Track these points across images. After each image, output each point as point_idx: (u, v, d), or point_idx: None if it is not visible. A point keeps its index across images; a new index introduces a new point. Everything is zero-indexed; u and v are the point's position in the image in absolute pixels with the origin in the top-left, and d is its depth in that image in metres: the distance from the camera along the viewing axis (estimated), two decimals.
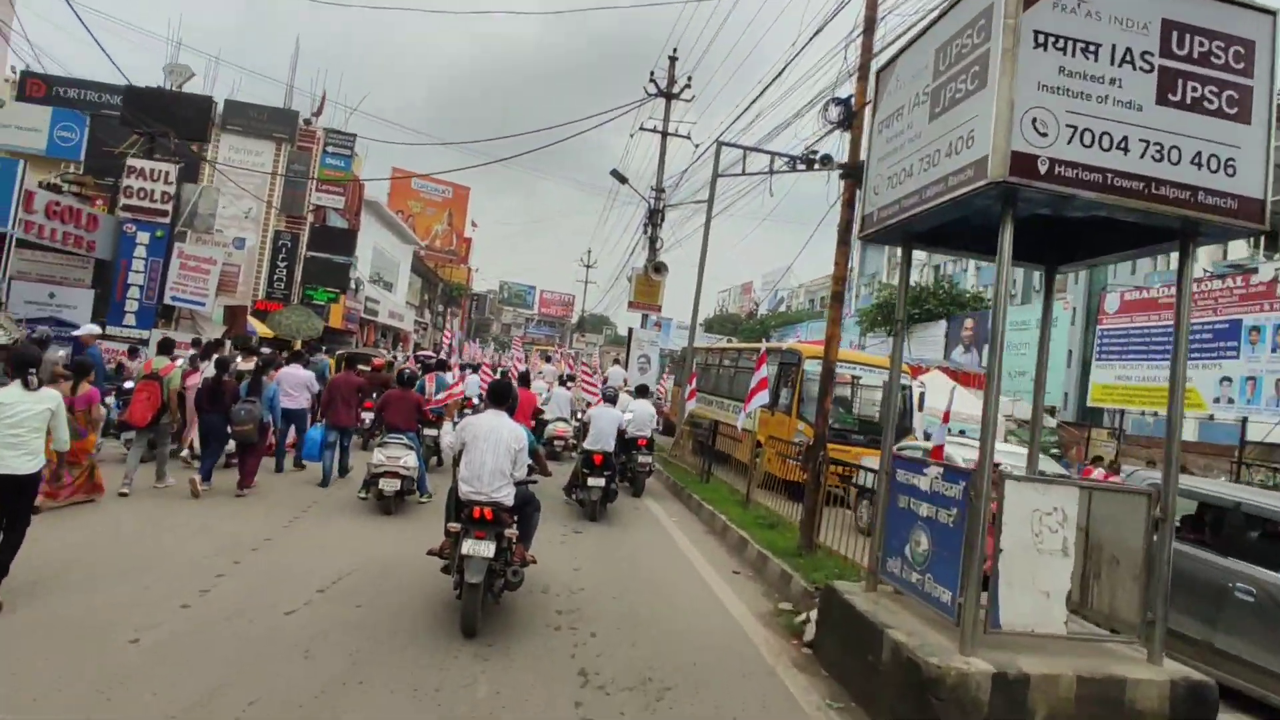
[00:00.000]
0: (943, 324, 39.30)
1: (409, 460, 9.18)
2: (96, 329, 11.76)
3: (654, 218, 20.69)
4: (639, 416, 12.36)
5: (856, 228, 6.41)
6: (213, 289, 18.86)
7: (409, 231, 44.41)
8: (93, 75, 26.16)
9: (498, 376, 16.77)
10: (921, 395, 14.27)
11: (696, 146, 19.62)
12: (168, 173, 18.77)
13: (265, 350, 18.41)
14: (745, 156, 15.20)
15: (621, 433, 10.90)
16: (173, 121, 19.40)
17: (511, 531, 5.51)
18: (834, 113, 8.08)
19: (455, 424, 7.80)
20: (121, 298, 18.45)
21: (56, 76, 27.19)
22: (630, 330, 20.62)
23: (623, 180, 20.32)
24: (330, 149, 27.79)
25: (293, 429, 12.24)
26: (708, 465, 12.88)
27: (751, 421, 11.47)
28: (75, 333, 12.06)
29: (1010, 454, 12.25)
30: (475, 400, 14.55)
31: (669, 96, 20.75)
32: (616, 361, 22.85)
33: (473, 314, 71.71)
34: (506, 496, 5.51)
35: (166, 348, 10.44)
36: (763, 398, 10.96)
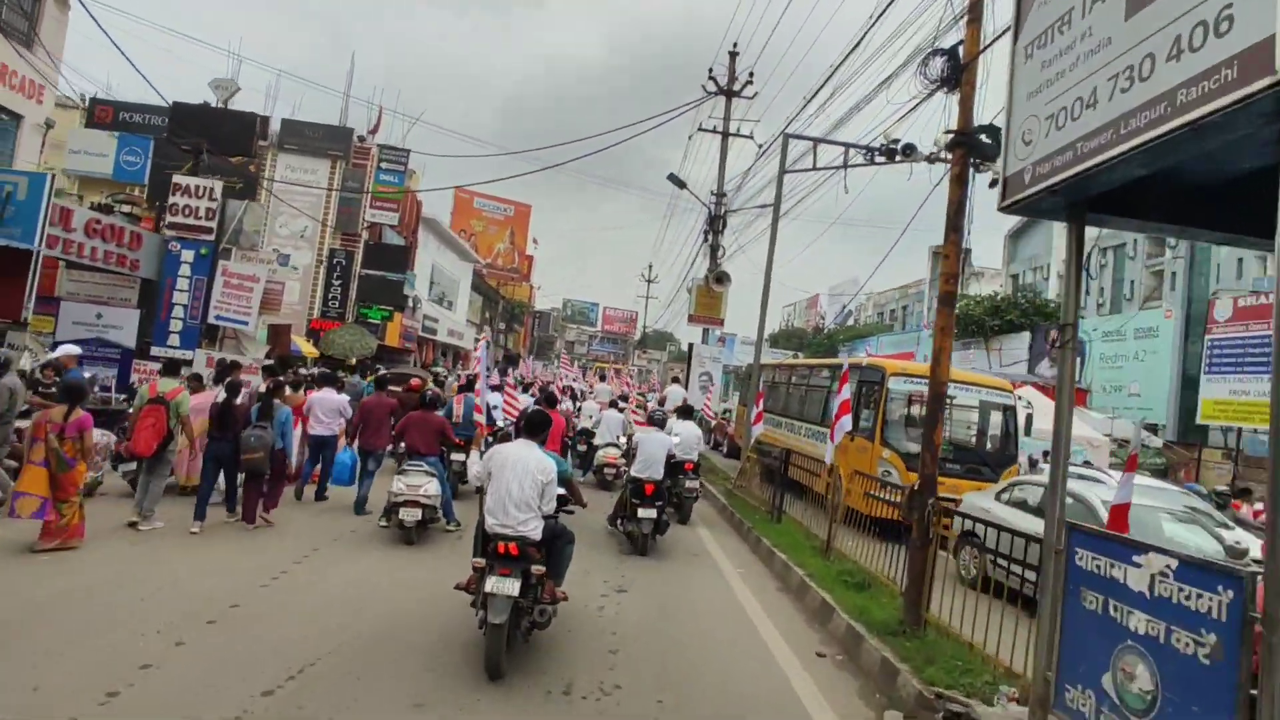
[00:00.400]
0: (1026, 336, 36.41)
1: (430, 488, 8.55)
2: (76, 349, 10.78)
3: (714, 224, 19.05)
4: (686, 439, 11.38)
5: (996, 201, 4.57)
6: (256, 307, 18.02)
7: (469, 249, 43.80)
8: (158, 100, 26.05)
9: (525, 397, 15.64)
10: (1029, 416, 12.18)
11: (760, 147, 17.92)
12: (212, 189, 18.07)
13: (305, 370, 17.44)
14: (815, 149, 13.43)
15: (669, 457, 9.95)
16: (219, 138, 18.72)
17: (539, 568, 5.15)
18: (936, 67, 6.31)
19: (482, 452, 6.71)
20: (166, 317, 17.77)
21: (123, 102, 27.22)
22: (690, 346, 18.98)
23: (680, 185, 18.76)
24: (384, 165, 27.07)
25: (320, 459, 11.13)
26: (778, 500, 11.07)
27: (832, 452, 9.63)
28: (51, 355, 11.12)
29: (1151, 488, 10.11)
30: (488, 422, 12.90)
31: (729, 94, 19.12)
32: (676, 380, 21.21)
33: (535, 331, 71.09)
34: (534, 530, 5.18)
35: (172, 369, 9.30)
36: (847, 424, 9.13)
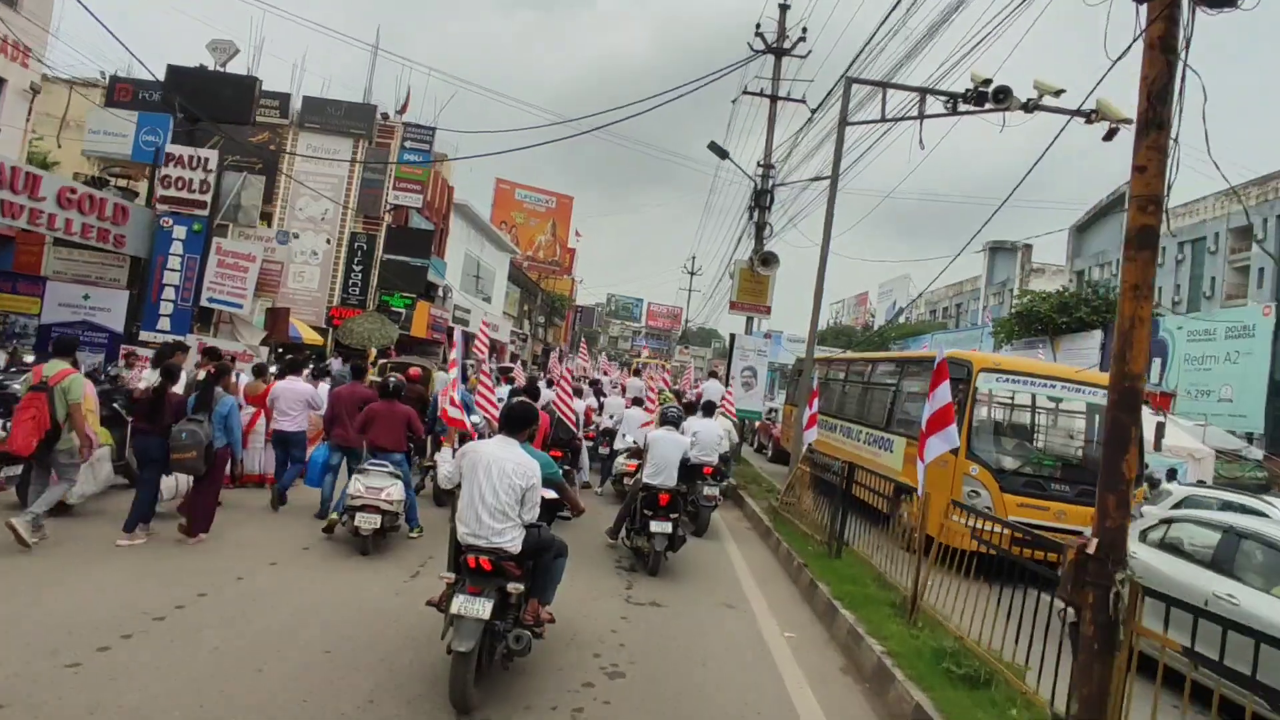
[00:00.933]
0: (1097, 334, 32.98)
1: (393, 492, 7.40)
2: None
3: (760, 199, 16.56)
4: (704, 439, 9.97)
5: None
6: (251, 289, 16.15)
7: (505, 239, 41.91)
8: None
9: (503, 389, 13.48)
10: (1159, 426, 9.47)
11: (812, 114, 15.37)
12: (207, 160, 16.25)
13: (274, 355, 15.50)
14: (884, 96, 10.89)
15: (684, 461, 8.53)
16: (215, 103, 16.91)
17: (517, 586, 4.40)
18: None
19: (456, 450, 5.45)
20: (156, 299, 16.01)
21: (143, 80, 25.75)
22: (732, 337, 16.53)
23: (722, 154, 16.31)
24: (409, 143, 25.16)
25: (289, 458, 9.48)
26: (838, 528, 8.58)
27: (923, 478, 7.05)
28: None
29: None
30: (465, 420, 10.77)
31: (779, 52, 16.60)
32: (714, 375, 18.77)
33: (577, 326, 69.19)
34: (511, 542, 4.41)
35: (64, 348, 7.26)
36: (949, 438, 6.56)
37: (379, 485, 7.34)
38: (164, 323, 15.89)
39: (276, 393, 9.63)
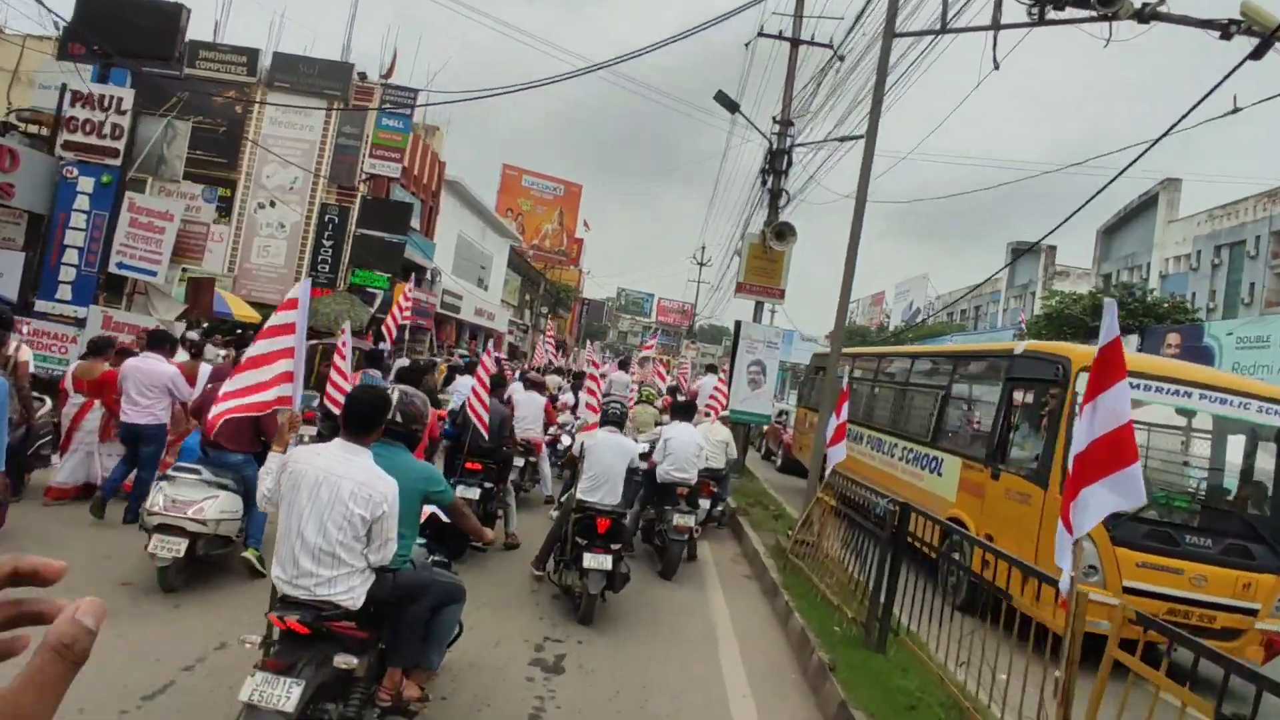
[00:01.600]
0: (1134, 339, 29.82)
1: (210, 507, 5.43)
2: None
3: (776, 162, 13.62)
4: (678, 449, 7.71)
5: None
6: (166, 253, 13.38)
7: (505, 223, 39.08)
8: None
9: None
10: None
11: (840, 61, 12.42)
12: (120, 100, 13.50)
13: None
14: (945, 2, 7.93)
15: (646, 475, 7.08)
16: (131, 36, 14.18)
17: (347, 659, 3.05)
18: None
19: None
20: (56, 263, 13.27)
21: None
22: (737, 325, 13.63)
23: (732, 107, 13.39)
24: (388, 107, 22.33)
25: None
26: (882, 604, 5.60)
27: (1068, 560, 4.08)
28: None
29: None
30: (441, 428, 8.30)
31: None
32: (711, 369, 15.78)
33: (584, 319, 66.35)
34: (345, 594, 3.14)
35: None
36: (1127, 488, 3.61)
37: (190, 498, 5.38)
38: (64, 291, 13.15)
39: (125, 374, 7.17)
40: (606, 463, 6.39)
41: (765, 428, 17.56)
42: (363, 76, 22.58)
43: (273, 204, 21.89)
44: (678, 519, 7.06)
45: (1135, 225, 45.87)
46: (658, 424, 10.27)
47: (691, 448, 7.60)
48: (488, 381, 7.53)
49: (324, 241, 22.12)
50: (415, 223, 26.86)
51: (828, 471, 7.45)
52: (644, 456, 7.43)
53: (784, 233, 13.02)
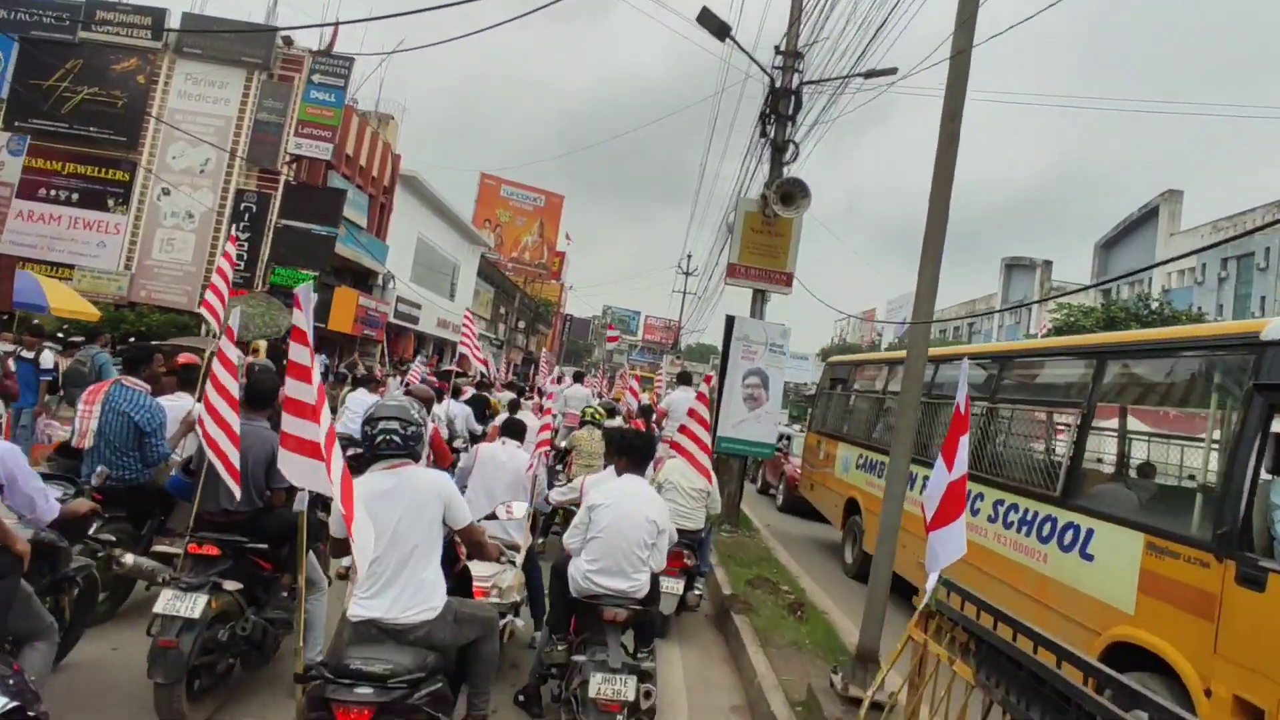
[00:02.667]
0: None
1: None
2: None
3: (779, 104, 9.93)
4: (613, 532, 3.99)
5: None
6: None
7: (472, 228, 35.32)
8: None
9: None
10: None
11: None
12: None
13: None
14: None
15: (554, 578, 4.30)
16: None
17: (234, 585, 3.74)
18: None
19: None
20: None
21: None
22: (729, 321, 9.87)
23: (721, 32, 9.72)
24: (317, 78, 18.62)
25: None
26: None
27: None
28: None
29: None
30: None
31: None
32: (684, 381, 11.62)
33: (566, 335, 62.51)
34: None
35: None
36: None
37: None
38: None
39: None
40: (621, 528, 3.94)
41: (763, 460, 13.68)
42: (288, 41, 18.87)
43: (167, 192, 18.05)
44: (601, 686, 3.24)
45: (1135, 239, 42.91)
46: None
47: (637, 530, 3.96)
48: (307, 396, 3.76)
49: (239, 234, 18.28)
50: (364, 220, 23.08)
51: (932, 584, 3.61)
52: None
53: (792, 194, 9.29)
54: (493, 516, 4.79)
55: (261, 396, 4.27)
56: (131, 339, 17.36)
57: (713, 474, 6.24)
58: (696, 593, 5.97)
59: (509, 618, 4.34)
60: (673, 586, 5.60)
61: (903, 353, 8.75)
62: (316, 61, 18.66)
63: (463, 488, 5.56)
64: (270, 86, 18.63)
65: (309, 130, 18.51)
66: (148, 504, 4.72)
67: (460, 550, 3.90)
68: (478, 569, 4.62)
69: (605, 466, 5.14)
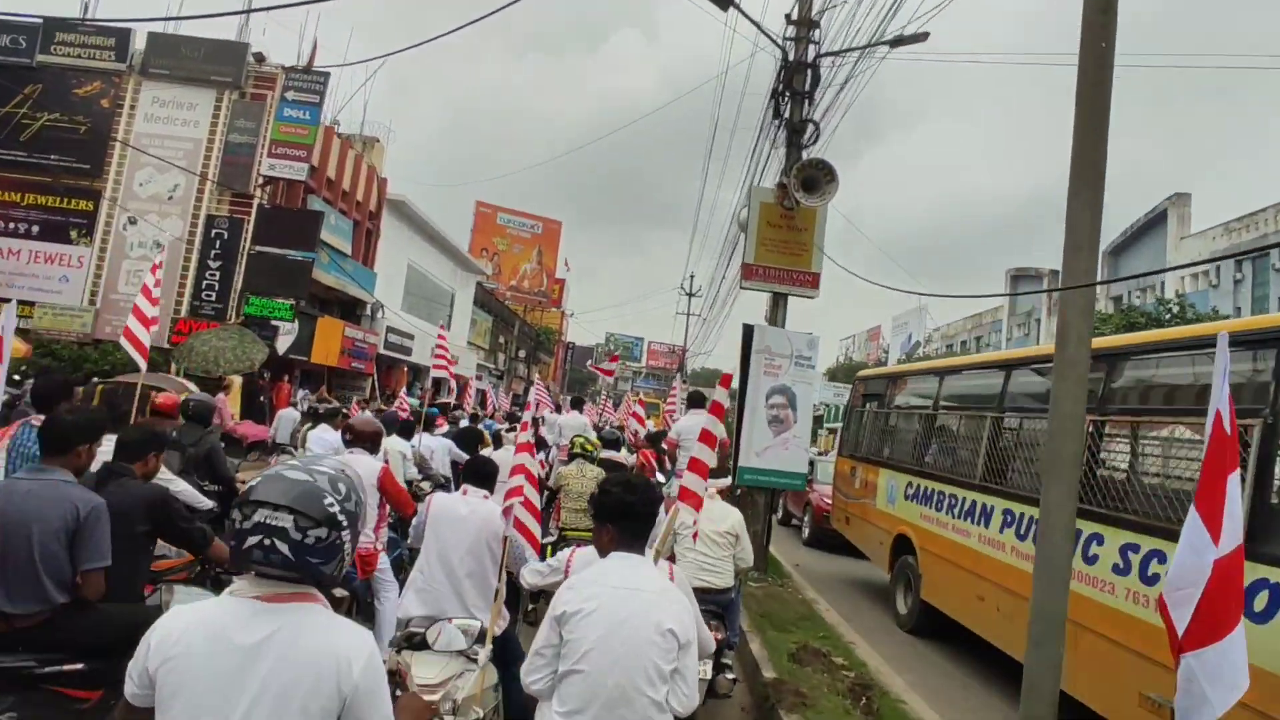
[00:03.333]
0: None
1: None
2: None
3: (793, 80, 8.54)
4: (602, 642, 2.35)
5: None
6: None
7: (468, 256, 34.05)
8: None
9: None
10: None
11: None
12: None
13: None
14: None
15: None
16: None
17: None
18: None
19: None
20: None
21: None
22: (747, 331, 8.40)
23: (724, 1, 8.37)
24: (290, 94, 17.39)
25: None
26: None
27: None
28: None
29: None
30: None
31: None
32: (698, 402, 9.52)
33: (568, 364, 61.08)
34: None
35: None
36: None
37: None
38: None
39: None
40: (615, 653, 2.32)
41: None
42: (259, 58, 17.67)
43: (133, 221, 16.74)
44: None
45: (1144, 244, 41.62)
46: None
47: (644, 651, 2.34)
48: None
49: (209, 263, 16.94)
50: (348, 248, 21.77)
51: None
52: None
53: (816, 179, 7.85)
54: (422, 644, 3.29)
55: (61, 438, 2.79)
56: (94, 379, 15.99)
57: (722, 507, 4.76)
58: (729, 677, 4.42)
59: None
60: (699, 669, 4.07)
61: (957, 359, 7.17)
62: (290, 78, 17.44)
63: (415, 550, 4.08)
64: (242, 106, 17.40)
65: (283, 150, 17.23)
66: None
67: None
68: (421, 670, 3.28)
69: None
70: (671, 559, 3.96)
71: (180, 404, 6.12)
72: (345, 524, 1.63)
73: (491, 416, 17.32)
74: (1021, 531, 5.66)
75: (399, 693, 2.14)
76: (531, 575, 3.51)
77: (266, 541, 1.56)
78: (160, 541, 3.41)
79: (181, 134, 17.35)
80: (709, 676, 4.21)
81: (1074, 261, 2.74)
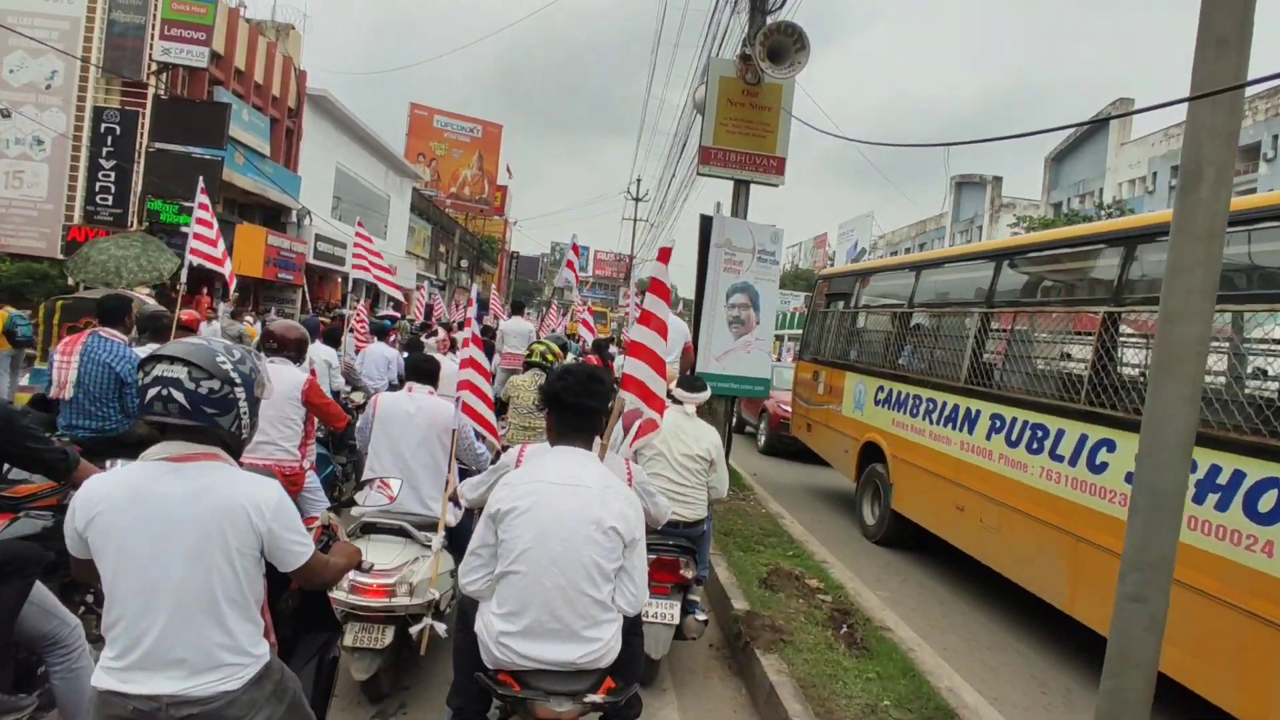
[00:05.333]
0: None
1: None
2: None
3: None
4: (540, 548, 2.26)
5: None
6: None
7: (402, 159, 31.77)
8: None
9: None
10: None
11: None
12: None
13: None
14: None
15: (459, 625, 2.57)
16: None
17: None
18: None
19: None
20: None
21: None
22: (705, 224, 7.50)
23: None
24: None
25: None
26: None
27: None
28: None
29: None
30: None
31: None
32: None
33: (513, 274, 59.25)
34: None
35: None
36: None
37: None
38: None
39: None
40: (552, 551, 2.23)
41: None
42: None
43: (6, 114, 14.55)
44: None
45: (1085, 150, 41.63)
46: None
47: (581, 548, 2.26)
48: None
49: (102, 162, 14.95)
50: (266, 148, 19.70)
51: None
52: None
53: (783, 47, 6.78)
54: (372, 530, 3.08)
55: None
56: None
57: (696, 425, 4.03)
58: (700, 617, 3.75)
59: (425, 621, 3.18)
60: (664, 613, 3.50)
61: (937, 252, 6.63)
62: None
63: (364, 451, 3.98)
64: None
65: (177, 31, 15.02)
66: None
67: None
68: (378, 556, 3.12)
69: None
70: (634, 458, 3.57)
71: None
72: (239, 381, 1.81)
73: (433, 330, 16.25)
74: (1013, 438, 5.06)
75: (332, 543, 2.23)
76: (470, 489, 2.97)
77: (164, 392, 1.73)
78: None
79: (54, 10, 14.94)
80: (675, 620, 3.53)
81: (1215, 62, 1.89)
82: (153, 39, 15.15)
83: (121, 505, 1.70)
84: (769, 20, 7.32)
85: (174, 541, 1.68)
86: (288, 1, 43.73)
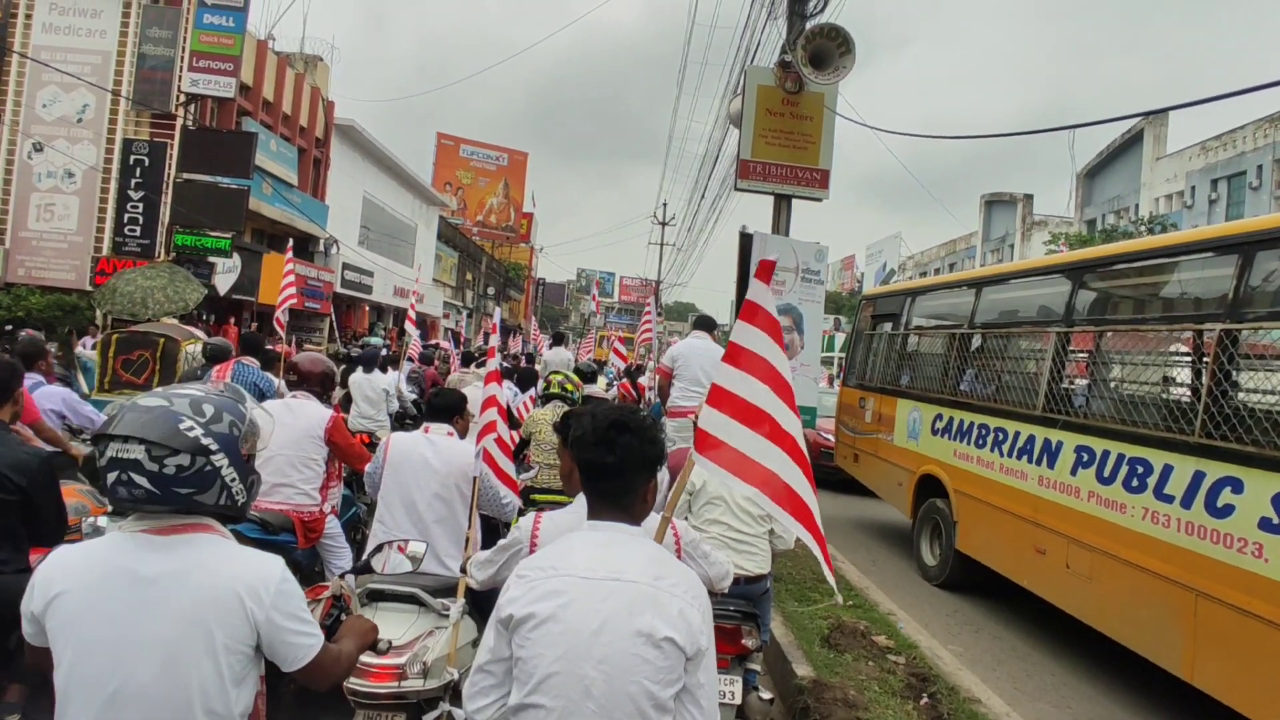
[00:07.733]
0: None
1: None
2: None
3: None
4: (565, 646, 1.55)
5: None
6: None
7: (428, 188, 31.89)
8: None
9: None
10: None
11: None
12: None
13: None
14: None
15: None
16: None
17: None
18: None
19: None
20: None
21: None
22: (745, 242, 6.99)
23: None
24: (210, 1, 15.14)
25: None
26: None
27: None
28: None
29: None
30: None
31: None
32: (702, 329, 7.52)
33: (539, 301, 59.25)
34: None
35: None
36: None
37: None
38: None
39: None
40: (586, 677, 1.49)
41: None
42: None
43: (39, 147, 14.63)
44: None
45: (1119, 166, 40.66)
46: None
47: (628, 673, 1.48)
48: None
49: (130, 193, 14.96)
50: (293, 178, 19.74)
51: None
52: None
53: (827, 51, 6.33)
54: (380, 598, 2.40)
55: None
56: (8, 326, 14.17)
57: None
58: (765, 696, 3.19)
59: (443, 708, 2.65)
60: (724, 690, 2.93)
61: (1002, 267, 6.03)
62: None
63: (374, 499, 3.51)
64: (154, 12, 15.11)
65: (205, 63, 15.08)
66: None
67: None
68: (387, 630, 2.42)
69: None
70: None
71: (203, 348, 6.19)
72: (215, 448, 1.48)
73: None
74: (1105, 474, 4.45)
75: (344, 616, 1.94)
76: (478, 568, 2.39)
77: (124, 476, 1.43)
78: None
79: (86, 45, 15.08)
80: (738, 700, 2.98)
81: None
82: (181, 70, 15.21)
83: (89, 585, 1.42)
84: (809, 25, 6.88)
85: (145, 635, 1.40)
86: (316, 34, 44.62)
